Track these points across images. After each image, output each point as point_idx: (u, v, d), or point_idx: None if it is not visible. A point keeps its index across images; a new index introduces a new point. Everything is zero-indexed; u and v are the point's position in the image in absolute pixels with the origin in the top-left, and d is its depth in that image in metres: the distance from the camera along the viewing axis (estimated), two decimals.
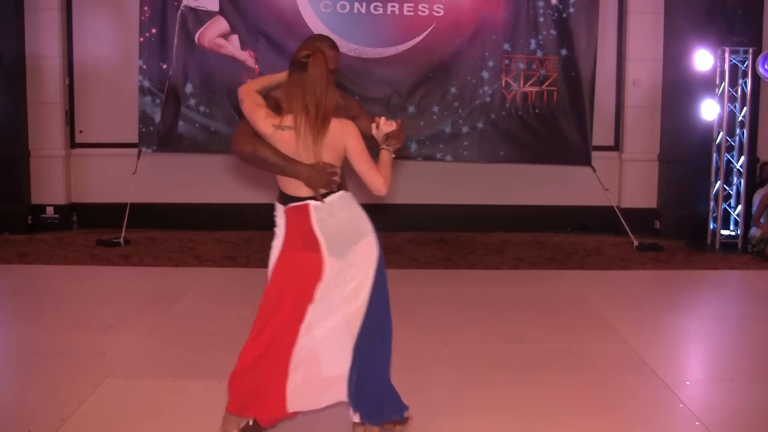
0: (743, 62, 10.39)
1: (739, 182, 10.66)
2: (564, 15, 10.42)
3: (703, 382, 5.90)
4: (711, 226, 10.68)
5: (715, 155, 10.65)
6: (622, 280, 8.94)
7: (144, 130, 10.48)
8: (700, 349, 6.81)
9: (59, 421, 4.92)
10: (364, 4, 10.44)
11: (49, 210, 11.39)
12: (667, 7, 11.01)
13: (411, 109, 10.51)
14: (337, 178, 4.33)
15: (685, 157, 10.92)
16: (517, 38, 10.48)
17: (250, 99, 4.34)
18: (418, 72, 10.53)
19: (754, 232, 10.35)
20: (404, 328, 6.85)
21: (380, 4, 10.43)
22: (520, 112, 10.51)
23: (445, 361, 6.10)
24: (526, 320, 7.18)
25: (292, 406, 4.47)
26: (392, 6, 10.48)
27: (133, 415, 5.04)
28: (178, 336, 6.68)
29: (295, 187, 4.35)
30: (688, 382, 5.75)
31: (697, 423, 4.97)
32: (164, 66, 10.44)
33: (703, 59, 10.41)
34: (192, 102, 10.42)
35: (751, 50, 10.35)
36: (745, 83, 10.46)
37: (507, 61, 10.48)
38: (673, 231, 10.93)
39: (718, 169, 10.64)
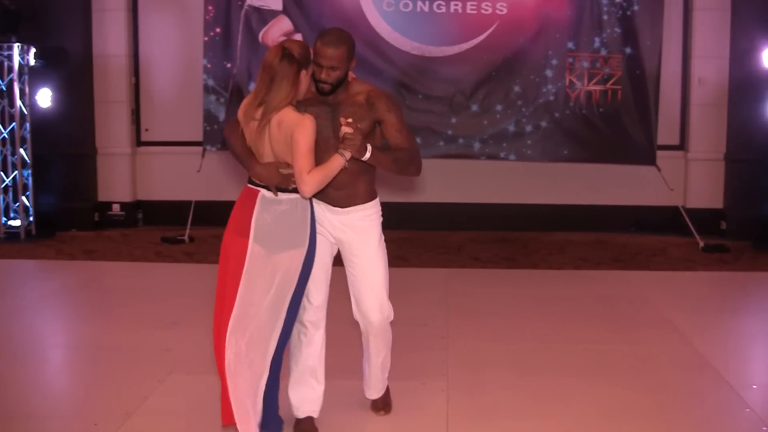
0: None
1: None
2: (628, 12, 10.30)
3: None
4: None
5: None
6: (687, 281, 8.84)
7: (208, 128, 10.57)
8: (767, 353, 6.71)
9: (124, 416, 4.99)
10: (427, 2, 10.41)
11: (115, 207, 11.55)
12: (733, 4, 10.82)
13: (474, 107, 10.48)
14: (293, 180, 4.22)
15: (753, 157, 10.72)
16: (581, 36, 10.38)
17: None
18: (481, 70, 10.47)
19: None
20: (465, 329, 6.87)
21: (443, 3, 10.40)
22: (584, 111, 10.42)
23: (508, 362, 6.08)
24: (589, 321, 7.13)
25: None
26: (455, 4, 10.44)
27: (196, 411, 5.09)
28: None
29: None
30: (754, 386, 5.67)
31: (764, 428, 4.89)
32: (228, 65, 10.52)
33: None
34: None
35: None
36: None
37: (571, 60, 10.39)
38: (740, 232, 10.74)
39: None
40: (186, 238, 10.48)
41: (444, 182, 11.27)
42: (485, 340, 6.57)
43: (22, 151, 10.72)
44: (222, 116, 10.45)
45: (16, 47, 10.47)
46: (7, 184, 10.79)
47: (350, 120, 4.21)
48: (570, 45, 10.36)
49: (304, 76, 4.25)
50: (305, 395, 4.71)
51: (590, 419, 5.04)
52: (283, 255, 4.28)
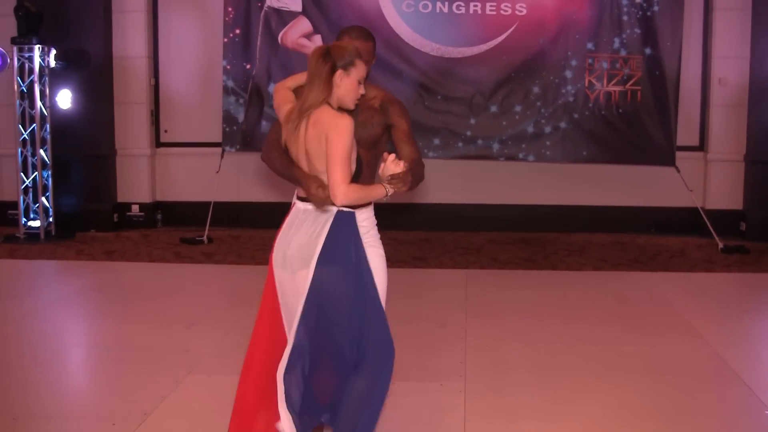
0: None
1: None
2: (648, 13, 10.27)
3: None
4: None
5: None
6: (707, 282, 8.80)
7: (228, 129, 10.60)
8: None
9: (142, 416, 5.01)
10: (446, 3, 10.42)
11: (135, 208, 11.59)
12: (754, 4, 10.77)
13: (493, 108, 10.47)
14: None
15: None
16: (601, 37, 10.36)
17: (279, 96, 4.22)
18: (500, 71, 10.47)
19: None
20: (485, 329, 6.86)
21: (462, 4, 10.40)
22: (603, 112, 10.40)
23: (526, 363, 6.06)
24: (609, 322, 7.10)
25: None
26: (474, 5, 10.44)
27: (214, 411, 5.09)
28: None
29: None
30: None
31: None
32: (248, 66, 10.54)
33: None
34: None
35: None
36: None
37: (590, 61, 10.37)
38: (760, 233, 10.69)
39: None
40: (205, 238, 10.51)
41: (463, 183, 11.27)
42: (504, 341, 6.56)
43: (42, 152, 10.77)
44: (241, 117, 10.48)
45: (37, 49, 10.54)
46: (27, 185, 10.84)
47: (393, 155, 4.05)
48: (590, 46, 10.34)
49: (342, 78, 4.01)
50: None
51: (608, 421, 5.02)
52: (300, 274, 4.01)
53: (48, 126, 10.80)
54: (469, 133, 10.44)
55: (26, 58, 10.58)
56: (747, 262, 9.64)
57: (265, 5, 10.45)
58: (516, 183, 11.33)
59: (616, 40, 10.33)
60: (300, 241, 4.00)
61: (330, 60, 3.97)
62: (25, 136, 10.74)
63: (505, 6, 10.41)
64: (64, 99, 11.00)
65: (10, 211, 11.26)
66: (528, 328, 6.94)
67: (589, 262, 9.63)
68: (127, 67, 11.35)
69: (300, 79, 4.30)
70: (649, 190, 11.22)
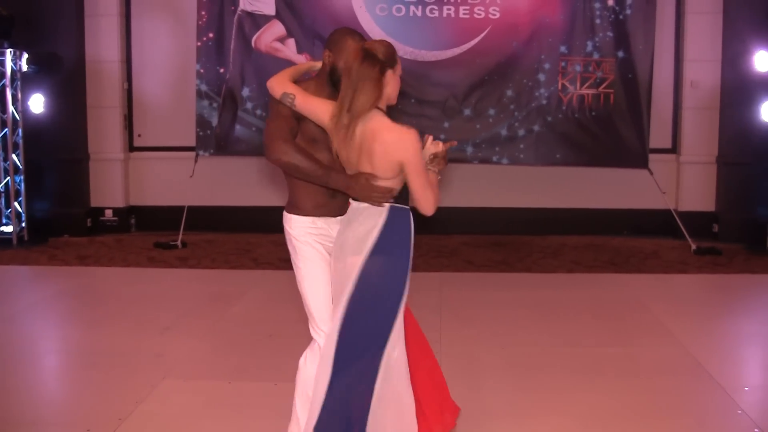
0: None
1: None
2: (621, 17, 10.32)
3: (763, 388, 5.83)
4: None
5: None
6: (680, 283, 8.86)
7: (201, 133, 10.57)
8: (760, 355, 6.72)
9: (117, 421, 4.99)
10: (420, 7, 10.43)
11: (108, 213, 11.53)
12: (725, 8, 10.84)
13: (467, 111, 10.49)
14: (390, 194, 4.04)
15: (745, 160, 10.73)
16: (574, 40, 10.40)
17: (314, 103, 4.17)
18: (474, 75, 10.50)
19: None
20: (459, 332, 6.87)
21: (436, 7, 10.42)
22: (576, 115, 10.44)
23: (501, 365, 6.09)
24: (583, 324, 7.14)
25: None
26: (448, 9, 10.46)
27: (189, 416, 5.09)
28: (235, 338, 6.74)
29: None
30: (746, 388, 5.69)
31: (756, 430, 4.90)
32: (221, 70, 10.52)
33: (763, 60, 10.22)
34: (249, 106, 10.49)
35: None
36: None
37: (563, 64, 10.41)
38: (732, 234, 10.76)
39: None
40: (179, 243, 10.47)
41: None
42: (479, 344, 6.58)
43: (14, 156, 10.71)
44: (215, 121, 10.45)
45: (9, 53, 10.48)
46: None
47: (431, 137, 4.23)
48: (563, 49, 10.37)
49: (391, 77, 4.08)
50: None
51: (584, 422, 5.04)
52: (349, 260, 4.06)
53: (20, 130, 10.73)
54: (442, 136, 10.41)
55: None
56: (719, 263, 9.69)
57: (239, 9, 10.43)
58: (490, 186, 11.34)
59: (589, 44, 10.38)
60: (356, 232, 4.05)
61: (378, 62, 3.96)
62: None
63: (479, 9, 10.44)
64: (37, 103, 10.92)
65: None
66: (503, 330, 6.96)
67: (563, 264, 9.66)
68: (100, 71, 11.29)
69: (294, 71, 4.32)
70: (622, 192, 11.26)
